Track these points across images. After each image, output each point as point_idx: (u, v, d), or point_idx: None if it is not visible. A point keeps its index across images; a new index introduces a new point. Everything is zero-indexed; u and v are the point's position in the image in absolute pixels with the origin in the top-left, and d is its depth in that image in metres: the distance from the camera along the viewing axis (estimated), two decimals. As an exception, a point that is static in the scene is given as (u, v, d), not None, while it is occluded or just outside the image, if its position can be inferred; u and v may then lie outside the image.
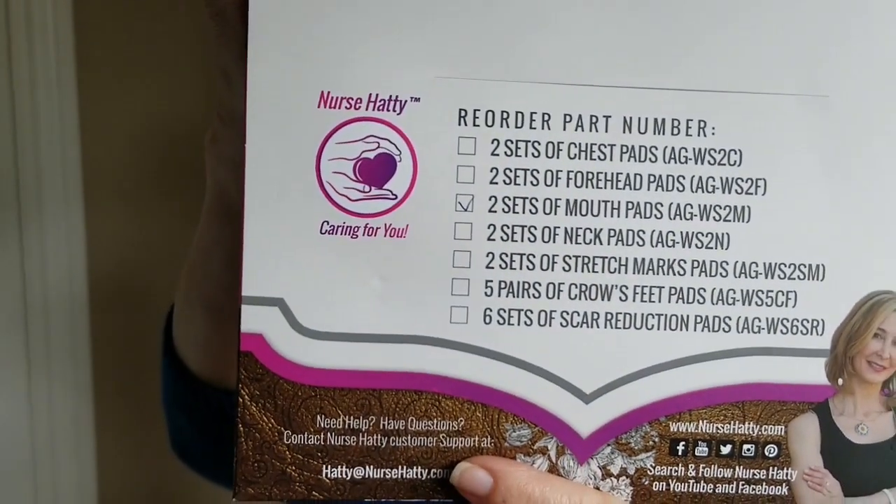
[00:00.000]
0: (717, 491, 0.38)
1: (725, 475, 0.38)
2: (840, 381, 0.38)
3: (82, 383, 1.65)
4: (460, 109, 0.35)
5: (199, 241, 0.53)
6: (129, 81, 1.67)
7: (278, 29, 0.35)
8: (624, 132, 0.36)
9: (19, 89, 1.55)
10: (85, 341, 1.66)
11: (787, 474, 0.38)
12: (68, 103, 1.57)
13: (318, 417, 0.36)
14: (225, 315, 0.50)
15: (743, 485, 0.38)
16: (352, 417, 0.36)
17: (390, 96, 0.35)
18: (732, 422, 0.37)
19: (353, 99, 0.35)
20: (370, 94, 0.35)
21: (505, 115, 0.35)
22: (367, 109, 0.35)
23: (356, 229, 0.35)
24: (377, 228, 0.35)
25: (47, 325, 1.62)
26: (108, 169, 1.68)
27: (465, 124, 0.35)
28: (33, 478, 1.64)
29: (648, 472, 0.38)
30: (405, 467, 0.37)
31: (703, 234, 0.36)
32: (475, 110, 0.35)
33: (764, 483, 0.38)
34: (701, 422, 0.37)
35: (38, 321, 1.61)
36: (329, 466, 0.37)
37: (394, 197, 0.35)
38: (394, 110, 0.35)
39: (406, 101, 0.35)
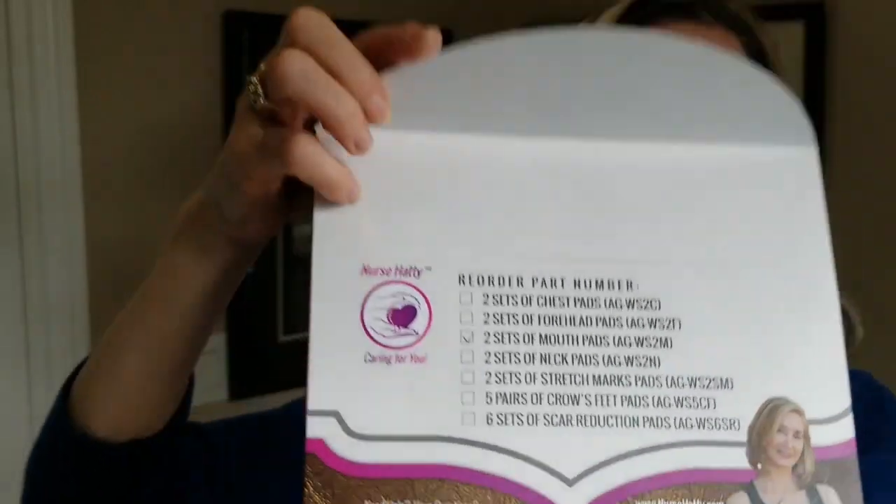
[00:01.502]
0: None
1: (682, 544, 0.48)
2: (759, 465, 0.50)
3: None
4: (460, 275, 0.50)
5: (160, 276, 0.62)
6: (128, 83, 1.66)
7: (336, 231, 0.50)
8: (575, 288, 0.51)
9: (19, 91, 1.54)
10: (84, 341, 1.60)
11: (730, 545, 0.48)
12: (68, 104, 1.56)
13: (366, 502, 0.47)
14: (187, 363, 0.62)
15: (696, 553, 0.48)
16: (391, 502, 0.47)
17: (411, 267, 0.50)
18: (683, 500, 0.48)
19: (385, 269, 0.50)
20: (397, 266, 0.50)
21: (491, 278, 0.50)
22: (394, 275, 0.50)
23: (390, 358, 0.49)
24: (405, 357, 0.49)
25: (47, 325, 1.57)
26: (108, 170, 1.65)
27: (464, 284, 0.50)
28: None
29: (623, 541, 0.48)
30: (434, 542, 0.47)
31: (640, 357, 0.50)
32: (470, 275, 0.50)
33: (714, 552, 0.48)
34: (659, 500, 0.48)
35: (38, 321, 1.56)
36: (374, 543, 0.47)
37: (416, 334, 0.49)
38: (413, 276, 0.50)
39: (422, 270, 0.50)
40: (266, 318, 1.88)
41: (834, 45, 1.69)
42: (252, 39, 1.80)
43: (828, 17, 1.68)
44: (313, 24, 0.53)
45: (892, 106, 1.64)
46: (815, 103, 1.69)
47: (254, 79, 0.50)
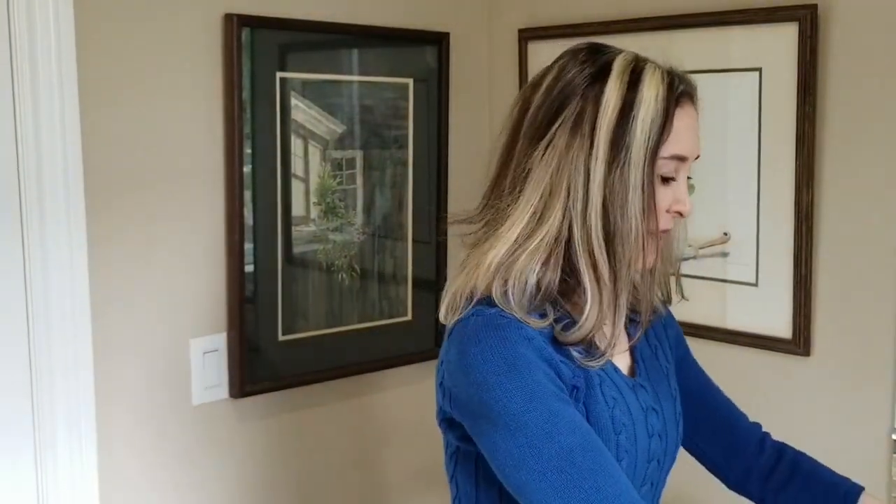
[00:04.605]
0: None
1: None
2: None
3: (83, 383, 1.62)
4: None
5: None
6: (129, 85, 1.67)
7: None
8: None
9: (21, 95, 1.54)
10: (87, 342, 1.63)
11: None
12: (69, 107, 1.57)
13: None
14: None
15: None
16: None
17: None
18: None
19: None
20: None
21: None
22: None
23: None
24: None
25: (48, 325, 1.59)
26: (110, 172, 1.66)
27: None
28: (35, 472, 1.62)
29: None
30: None
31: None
32: None
33: None
34: None
35: (40, 322, 1.58)
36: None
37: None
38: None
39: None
40: (266, 318, 1.90)
41: (826, 46, 1.71)
42: (252, 41, 1.81)
43: (820, 18, 1.70)
44: None
45: (884, 107, 1.66)
46: (808, 104, 1.71)
47: None
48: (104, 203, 1.66)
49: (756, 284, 1.82)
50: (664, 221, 1.16)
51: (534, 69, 2.11)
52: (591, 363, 1.13)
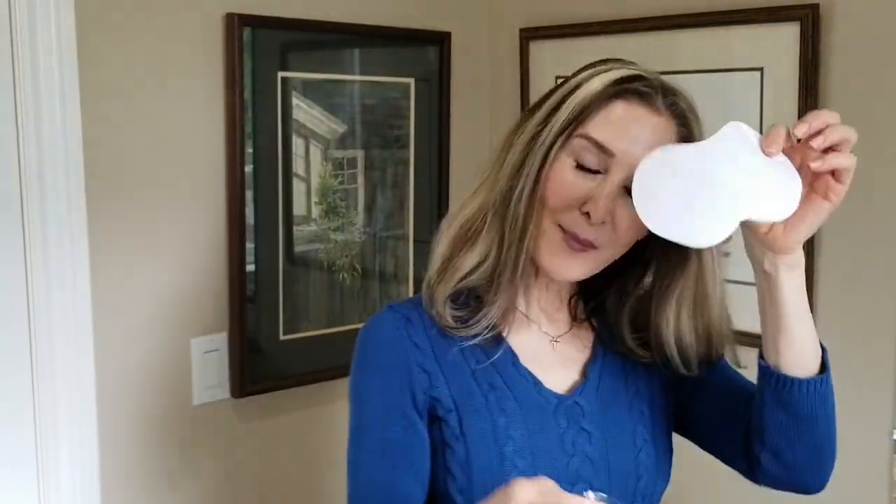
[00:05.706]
0: None
1: None
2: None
3: (84, 383, 1.62)
4: None
5: None
6: (130, 84, 1.67)
7: None
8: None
9: (22, 95, 1.55)
10: (87, 342, 1.63)
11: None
12: (70, 107, 1.57)
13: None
14: None
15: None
16: None
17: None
18: None
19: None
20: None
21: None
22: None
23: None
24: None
25: (49, 325, 1.59)
26: (111, 172, 1.66)
27: None
28: (36, 472, 1.63)
29: None
30: None
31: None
32: None
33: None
34: None
35: (41, 322, 1.58)
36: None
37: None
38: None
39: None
40: (267, 317, 1.90)
41: (828, 46, 1.71)
42: (253, 41, 1.81)
43: (822, 18, 1.70)
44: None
45: (885, 107, 1.66)
46: (810, 104, 1.71)
47: None
48: (105, 203, 1.66)
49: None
50: (569, 218, 1.09)
51: (535, 69, 2.11)
52: (463, 332, 1.14)
